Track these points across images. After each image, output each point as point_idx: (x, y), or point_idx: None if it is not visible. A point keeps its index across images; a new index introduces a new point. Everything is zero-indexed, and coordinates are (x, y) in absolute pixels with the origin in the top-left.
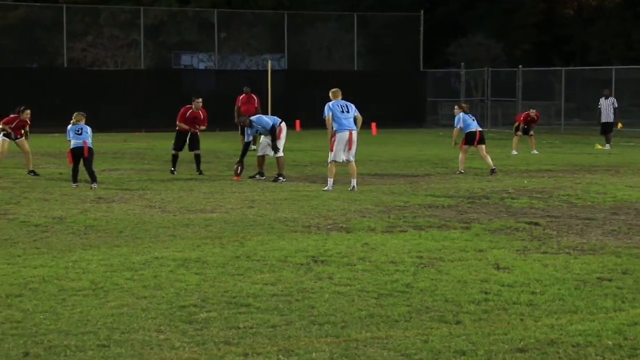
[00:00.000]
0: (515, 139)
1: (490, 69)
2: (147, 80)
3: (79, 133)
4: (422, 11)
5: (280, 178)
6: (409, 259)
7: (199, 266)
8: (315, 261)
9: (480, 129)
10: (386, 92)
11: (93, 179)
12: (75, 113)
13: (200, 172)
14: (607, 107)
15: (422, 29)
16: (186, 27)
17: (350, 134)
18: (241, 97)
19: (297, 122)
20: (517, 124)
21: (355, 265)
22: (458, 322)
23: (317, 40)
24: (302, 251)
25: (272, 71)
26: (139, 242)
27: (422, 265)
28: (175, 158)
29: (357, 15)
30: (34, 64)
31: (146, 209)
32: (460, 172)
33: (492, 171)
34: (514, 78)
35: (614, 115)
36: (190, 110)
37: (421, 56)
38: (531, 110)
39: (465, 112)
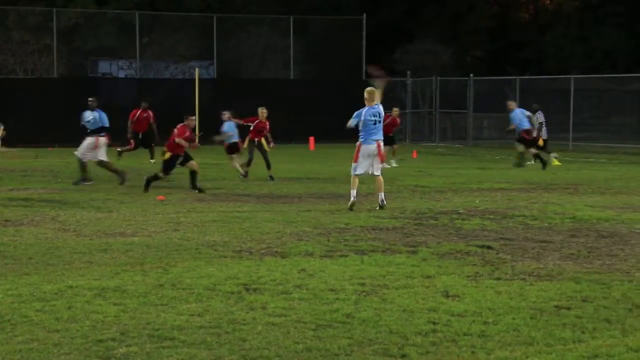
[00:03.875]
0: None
1: (438, 77)
2: (61, 89)
3: None
4: (364, 15)
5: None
6: (350, 287)
7: (117, 296)
8: (247, 289)
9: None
10: (325, 103)
11: None
12: None
13: (200, 190)
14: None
15: (364, 34)
16: (105, 31)
17: (378, 146)
18: (138, 112)
19: None
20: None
21: (291, 293)
22: (404, 356)
23: (250, 46)
24: (232, 278)
25: (200, 80)
26: (50, 269)
27: (364, 294)
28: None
29: (293, 19)
30: None
31: (59, 233)
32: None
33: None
34: (464, 88)
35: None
36: (189, 131)
37: (364, 64)
38: (394, 110)
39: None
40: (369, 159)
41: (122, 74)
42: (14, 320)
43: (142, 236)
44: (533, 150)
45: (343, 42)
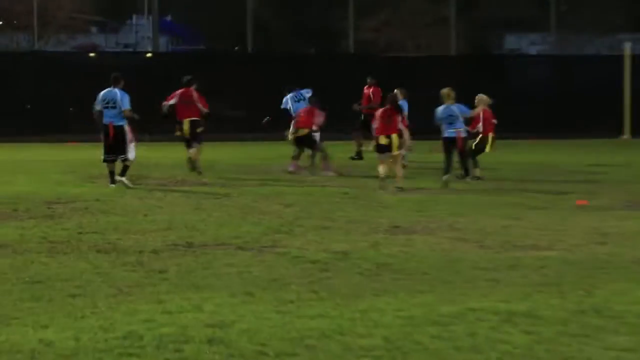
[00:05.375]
0: None
1: None
2: (457, 69)
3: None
4: None
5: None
6: None
7: (529, 322)
8: None
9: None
10: None
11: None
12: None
13: None
14: None
15: None
16: (514, 1)
17: None
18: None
19: None
20: None
21: None
22: None
23: None
24: None
25: (632, 56)
26: (448, 287)
27: None
28: None
29: None
30: (311, 48)
31: (458, 243)
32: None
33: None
34: None
35: None
36: None
37: None
38: None
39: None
40: None
41: (532, 50)
42: (405, 348)
43: (559, 250)
44: None
45: None
